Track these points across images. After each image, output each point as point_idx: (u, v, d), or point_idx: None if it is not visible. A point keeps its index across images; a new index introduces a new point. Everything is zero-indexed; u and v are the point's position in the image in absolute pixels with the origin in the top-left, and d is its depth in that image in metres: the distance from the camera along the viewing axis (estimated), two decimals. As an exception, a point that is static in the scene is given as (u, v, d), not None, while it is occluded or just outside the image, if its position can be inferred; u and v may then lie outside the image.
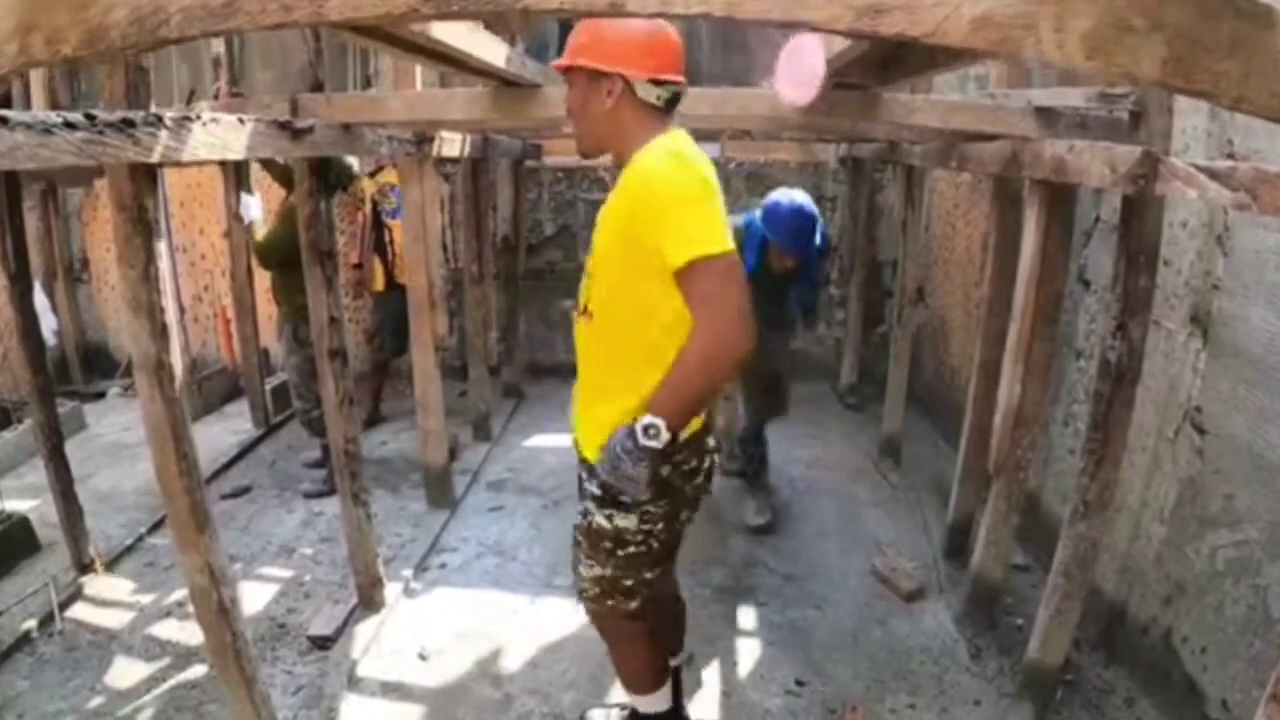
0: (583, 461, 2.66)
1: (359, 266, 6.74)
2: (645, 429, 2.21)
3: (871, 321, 7.65)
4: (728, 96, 3.72)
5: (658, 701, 2.97)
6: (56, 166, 2.09)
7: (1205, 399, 3.25)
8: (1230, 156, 3.03)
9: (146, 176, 2.47)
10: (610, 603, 2.69)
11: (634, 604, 2.69)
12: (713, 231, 2.15)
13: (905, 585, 4.30)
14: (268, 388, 6.90)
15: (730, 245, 2.16)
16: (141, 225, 2.48)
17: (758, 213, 4.55)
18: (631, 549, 2.56)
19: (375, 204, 6.38)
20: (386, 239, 6.40)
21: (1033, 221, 3.45)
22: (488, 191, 6.73)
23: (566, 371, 8.24)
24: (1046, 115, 3.32)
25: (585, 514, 2.60)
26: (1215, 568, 3.14)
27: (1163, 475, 3.48)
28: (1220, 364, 3.17)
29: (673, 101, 2.41)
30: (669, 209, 2.15)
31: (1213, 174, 2.20)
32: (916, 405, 6.54)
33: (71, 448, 4.55)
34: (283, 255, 5.23)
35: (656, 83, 2.33)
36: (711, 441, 2.66)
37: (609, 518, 2.53)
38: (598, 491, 2.53)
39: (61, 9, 1.11)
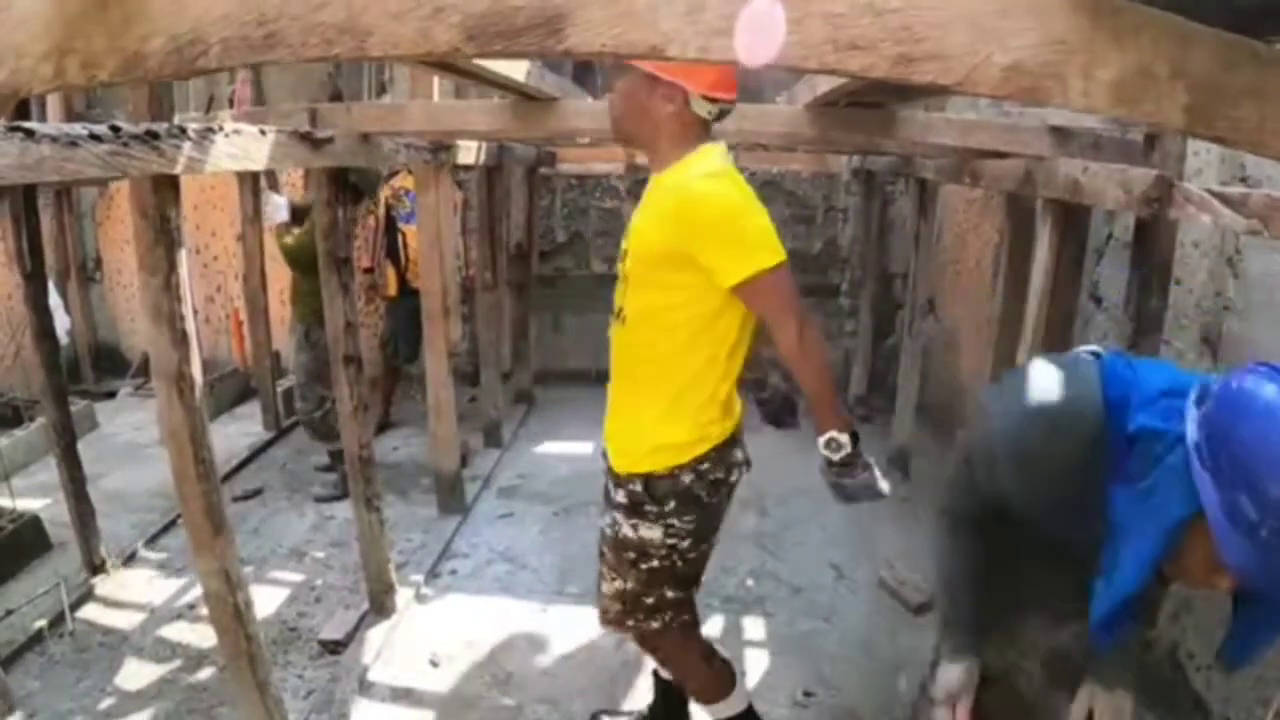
0: (609, 471, 2.65)
1: (370, 270, 6.74)
2: (828, 444, 2.37)
3: (882, 333, 7.64)
4: (744, 112, 3.74)
5: (733, 704, 2.90)
6: (82, 179, 2.11)
7: (1214, 419, 3.25)
8: (1243, 180, 3.05)
9: (170, 187, 2.50)
10: (631, 622, 2.69)
11: (655, 624, 2.68)
12: (769, 242, 2.29)
13: (914, 598, 4.31)
14: (279, 390, 6.92)
15: (782, 252, 2.29)
16: (164, 235, 2.50)
17: (1189, 425, 1.43)
18: (655, 563, 2.56)
19: (389, 208, 6.38)
20: (400, 244, 6.41)
21: (1045, 240, 3.46)
22: (502, 199, 6.75)
23: (577, 378, 8.28)
24: (1061, 135, 3.34)
25: (612, 524, 2.61)
26: (1222, 585, 3.14)
27: (1171, 493, 3.48)
28: (1231, 385, 3.18)
29: (720, 116, 2.45)
30: (721, 227, 2.27)
31: (1225, 200, 2.21)
32: (926, 418, 6.53)
33: (83, 447, 4.55)
34: (313, 260, 5.27)
35: (710, 99, 2.38)
36: (740, 454, 2.64)
37: (634, 528, 2.53)
38: (624, 501, 2.54)
39: (99, 34, 1.12)
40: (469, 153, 5.09)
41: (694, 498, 2.50)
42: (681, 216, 2.30)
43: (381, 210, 6.39)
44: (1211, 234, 3.28)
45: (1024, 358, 3.60)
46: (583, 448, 6.58)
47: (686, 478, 2.48)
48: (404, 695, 3.64)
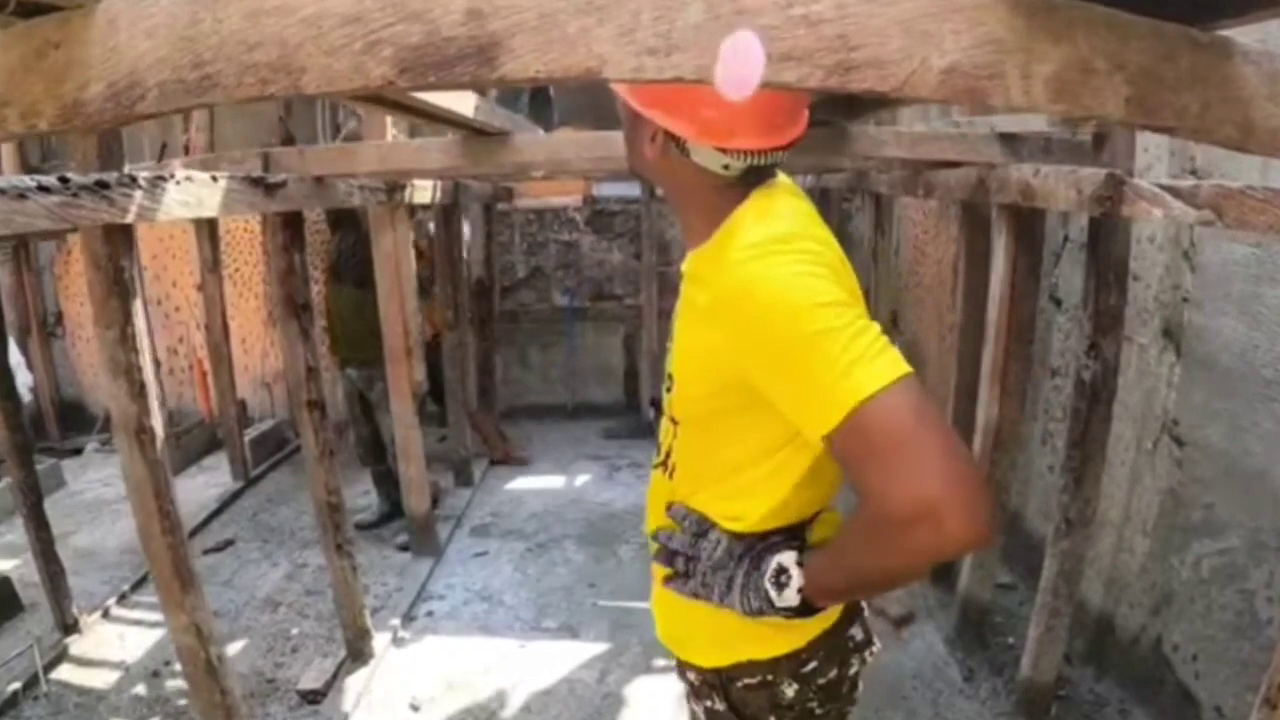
0: (682, 666, 1.79)
1: None
2: (777, 573, 1.45)
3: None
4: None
5: None
6: (32, 231, 2.10)
7: (1181, 411, 3.29)
8: (1193, 173, 3.09)
9: (122, 237, 2.48)
10: None
11: None
12: (870, 353, 1.22)
13: (894, 611, 4.31)
14: (246, 439, 6.84)
15: (902, 360, 1.24)
16: (118, 286, 2.48)
17: None
18: None
19: None
20: None
21: (1002, 246, 3.49)
22: (461, 237, 6.73)
23: (545, 412, 8.23)
24: (1011, 141, 3.37)
25: None
26: (1201, 576, 3.17)
27: (1143, 488, 3.51)
28: (1194, 376, 3.22)
29: (755, 172, 1.49)
30: (794, 349, 1.26)
31: (1176, 193, 2.24)
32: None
33: (50, 505, 4.50)
34: (332, 263, 5.28)
35: (724, 149, 1.45)
36: (859, 633, 1.71)
37: None
38: (721, 708, 1.67)
39: (36, 83, 1.11)
40: (425, 192, 5.08)
41: (807, 715, 1.67)
42: (733, 318, 1.36)
43: None
44: (1167, 228, 3.32)
45: (988, 363, 3.63)
46: (553, 482, 6.63)
47: (788, 689, 1.62)
48: (387, 741, 3.60)
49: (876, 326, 1.28)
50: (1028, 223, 3.44)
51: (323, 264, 6.32)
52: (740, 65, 0.94)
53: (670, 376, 1.61)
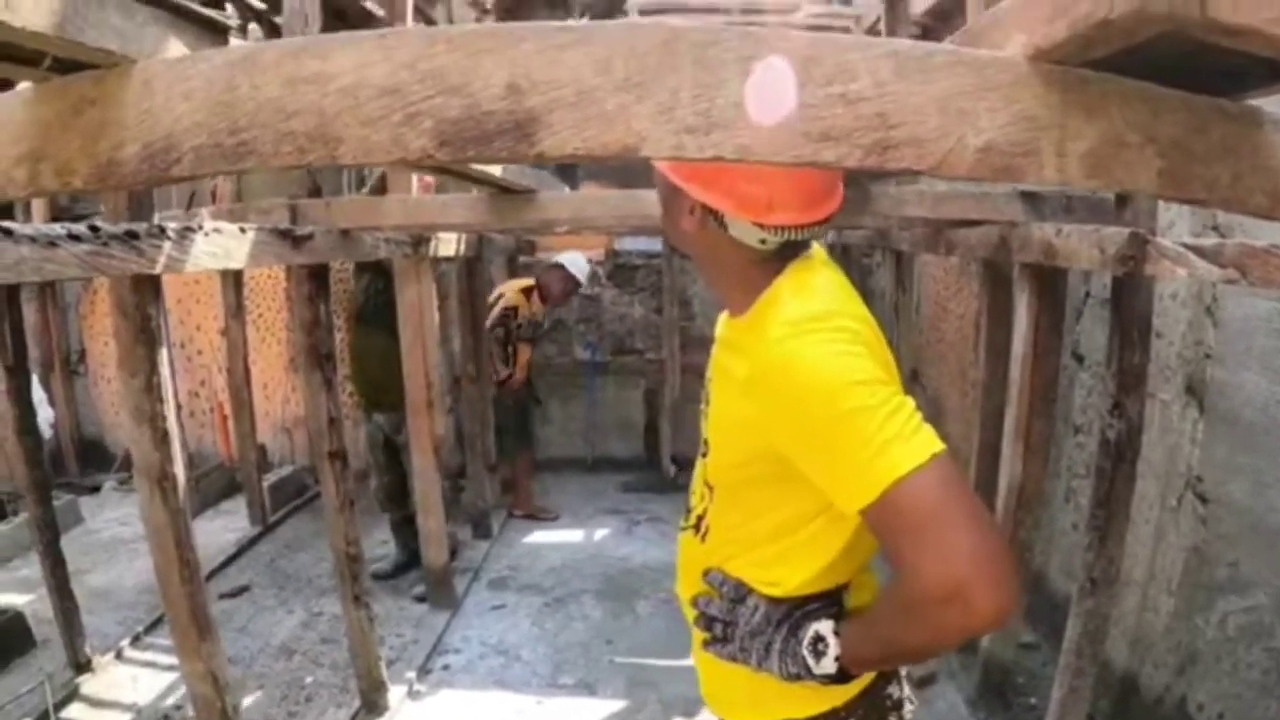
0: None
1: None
2: (814, 641, 1.45)
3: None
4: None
5: None
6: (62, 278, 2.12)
7: (1205, 467, 3.27)
8: (1214, 229, 3.09)
9: (150, 286, 2.50)
10: None
11: None
12: (905, 431, 1.28)
13: (916, 671, 4.25)
14: (265, 484, 6.83)
15: (935, 439, 1.30)
16: (145, 335, 2.50)
17: None
18: None
19: (515, 318, 6.70)
20: (512, 355, 6.76)
21: (1024, 304, 3.48)
22: (484, 289, 6.77)
23: (564, 465, 8.20)
24: (1032, 199, 3.37)
25: None
26: (1227, 634, 3.13)
27: (1168, 545, 3.48)
28: (1217, 432, 3.20)
29: (792, 246, 1.52)
30: (830, 427, 1.31)
31: (1200, 252, 2.24)
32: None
33: (67, 542, 4.50)
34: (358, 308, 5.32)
35: (761, 224, 1.47)
36: (896, 691, 1.65)
37: None
38: None
39: (72, 141, 1.11)
40: (449, 244, 5.11)
41: None
42: (760, 393, 1.42)
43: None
44: (1189, 284, 3.31)
45: (1011, 421, 3.61)
46: (572, 536, 6.59)
47: None
48: (400, 796, 3.56)
49: (911, 403, 1.33)
50: (1050, 280, 3.44)
51: (345, 311, 6.34)
52: (772, 87, 0.94)
53: (706, 442, 1.65)
